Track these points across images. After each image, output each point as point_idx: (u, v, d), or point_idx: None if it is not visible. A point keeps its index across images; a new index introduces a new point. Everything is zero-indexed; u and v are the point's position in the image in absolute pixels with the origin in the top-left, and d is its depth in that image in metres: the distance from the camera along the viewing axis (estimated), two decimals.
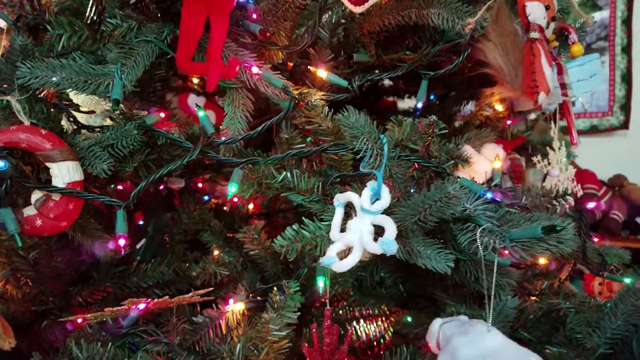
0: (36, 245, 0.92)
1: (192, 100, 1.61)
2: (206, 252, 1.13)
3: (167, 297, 0.87)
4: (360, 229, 0.63)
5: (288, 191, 0.84)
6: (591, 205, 0.94)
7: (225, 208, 1.32)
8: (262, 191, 0.82)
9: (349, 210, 0.71)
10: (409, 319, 1.16)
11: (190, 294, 0.89)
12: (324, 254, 0.66)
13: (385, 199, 0.64)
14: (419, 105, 0.85)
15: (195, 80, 1.26)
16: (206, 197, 1.34)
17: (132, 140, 0.75)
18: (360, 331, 1.22)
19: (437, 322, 0.71)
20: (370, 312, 1.25)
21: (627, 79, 2.86)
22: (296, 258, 1.19)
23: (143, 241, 1.10)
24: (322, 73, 0.80)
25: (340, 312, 1.16)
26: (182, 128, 0.83)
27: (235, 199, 1.32)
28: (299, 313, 0.82)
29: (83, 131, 0.82)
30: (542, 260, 1.22)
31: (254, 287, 1.00)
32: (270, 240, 1.02)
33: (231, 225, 1.23)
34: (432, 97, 1.29)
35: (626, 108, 2.90)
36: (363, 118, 0.65)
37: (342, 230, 0.67)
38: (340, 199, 0.69)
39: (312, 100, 0.76)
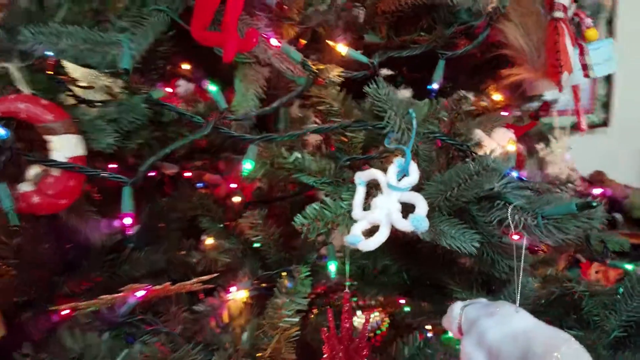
0: (20, 229, 0.87)
1: (181, 86, 1.56)
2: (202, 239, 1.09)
3: (168, 283, 0.83)
4: (387, 207, 0.60)
5: (299, 173, 0.81)
6: (597, 191, 0.94)
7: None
8: (273, 172, 0.78)
9: (369, 190, 0.69)
10: (407, 308, 1.14)
11: (191, 281, 0.85)
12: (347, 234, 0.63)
13: (414, 175, 0.61)
14: (435, 86, 0.83)
15: (186, 67, 1.22)
16: (200, 185, 1.29)
17: (140, 114, 0.71)
18: (358, 322, 1.20)
19: (457, 306, 0.68)
20: (367, 302, 1.23)
21: (608, 77, 2.91)
22: (301, 244, 1.16)
23: (136, 227, 1.05)
24: (341, 48, 0.77)
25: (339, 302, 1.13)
26: (188, 105, 0.79)
27: (234, 185, 1.28)
28: (308, 299, 0.79)
29: (81, 106, 0.77)
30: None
31: (255, 274, 0.97)
32: (273, 226, 0.99)
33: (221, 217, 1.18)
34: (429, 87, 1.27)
35: (607, 106, 2.95)
36: (392, 92, 0.63)
37: (364, 209, 0.65)
38: (362, 177, 0.66)
39: (330, 77, 0.73)
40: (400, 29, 0.96)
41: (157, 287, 0.82)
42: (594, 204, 0.56)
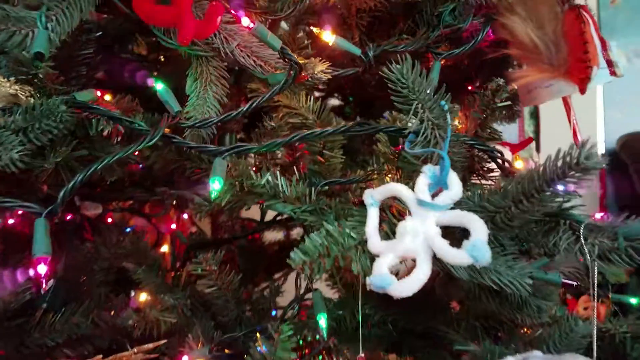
0: None
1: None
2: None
3: (99, 357, 0.60)
4: (422, 232, 0.44)
5: (272, 199, 0.63)
6: (598, 216, 0.82)
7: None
8: (242, 198, 0.60)
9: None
10: None
11: (130, 351, 0.63)
12: (363, 272, 0.45)
13: (456, 187, 0.45)
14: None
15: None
16: (128, 229, 1.07)
17: (59, 119, 0.50)
18: None
19: None
20: None
21: (535, 115, 2.96)
22: (258, 297, 0.96)
23: (50, 282, 0.81)
24: (328, 36, 0.62)
25: None
26: (126, 114, 0.60)
27: (174, 226, 1.07)
28: None
29: None
30: None
31: (209, 337, 0.76)
32: (232, 273, 0.79)
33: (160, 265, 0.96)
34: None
35: (536, 142, 3.00)
36: (422, 76, 0.47)
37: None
38: (374, 195, 0.49)
39: (315, 73, 0.57)
40: (374, 34, 0.82)
41: None
42: None
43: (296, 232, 1.40)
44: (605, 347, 0.66)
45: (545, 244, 0.48)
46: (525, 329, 0.84)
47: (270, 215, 1.09)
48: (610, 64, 0.65)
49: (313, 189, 0.65)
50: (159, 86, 0.55)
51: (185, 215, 1.22)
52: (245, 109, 0.54)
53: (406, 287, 0.41)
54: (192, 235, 1.23)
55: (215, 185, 0.50)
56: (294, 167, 0.74)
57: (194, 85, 0.59)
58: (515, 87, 0.79)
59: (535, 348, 0.64)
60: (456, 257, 0.40)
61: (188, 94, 0.60)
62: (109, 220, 1.08)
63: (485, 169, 0.55)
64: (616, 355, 0.65)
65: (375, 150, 0.74)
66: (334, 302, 0.94)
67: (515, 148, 0.85)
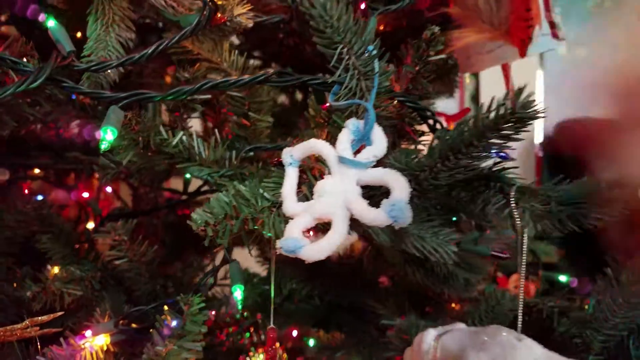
0: None
1: None
2: (42, 266, 0.78)
3: None
4: (342, 191, 0.39)
5: (186, 162, 0.57)
6: None
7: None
8: (146, 161, 0.54)
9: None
10: (312, 342, 0.93)
11: (23, 324, 0.56)
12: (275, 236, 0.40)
13: (380, 143, 0.41)
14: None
15: None
16: (40, 197, 0.97)
17: None
18: None
19: (429, 335, 0.49)
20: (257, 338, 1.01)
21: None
22: (181, 270, 0.89)
23: None
24: None
25: (232, 339, 0.89)
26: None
27: (86, 194, 0.98)
28: (204, 343, 0.54)
29: None
30: None
31: (120, 311, 0.69)
32: (145, 243, 0.72)
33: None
34: None
35: (476, 102, 3.03)
36: (348, 15, 0.42)
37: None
38: (294, 153, 0.44)
39: (234, 16, 0.51)
40: None
41: None
42: None
43: None
44: (533, 322, 0.65)
45: (473, 211, 0.44)
46: (454, 305, 0.82)
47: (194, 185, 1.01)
48: (553, 25, 0.62)
49: (234, 152, 0.60)
50: (51, 23, 0.47)
51: (109, 189, 1.14)
52: (149, 51, 0.48)
53: (318, 251, 0.37)
54: (115, 209, 1.15)
55: (107, 136, 0.43)
56: (215, 129, 0.68)
57: (94, 26, 0.51)
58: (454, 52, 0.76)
59: (463, 322, 0.61)
60: (374, 217, 0.36)
61: (88, 36, 0.52)
62: (26, 191, 0.98)
63: (416, 131, 0.51)
64: (543, 329, 0.64)
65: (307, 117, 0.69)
66: (260, 277, 0.89)
67: (451, 119, 0.81)
